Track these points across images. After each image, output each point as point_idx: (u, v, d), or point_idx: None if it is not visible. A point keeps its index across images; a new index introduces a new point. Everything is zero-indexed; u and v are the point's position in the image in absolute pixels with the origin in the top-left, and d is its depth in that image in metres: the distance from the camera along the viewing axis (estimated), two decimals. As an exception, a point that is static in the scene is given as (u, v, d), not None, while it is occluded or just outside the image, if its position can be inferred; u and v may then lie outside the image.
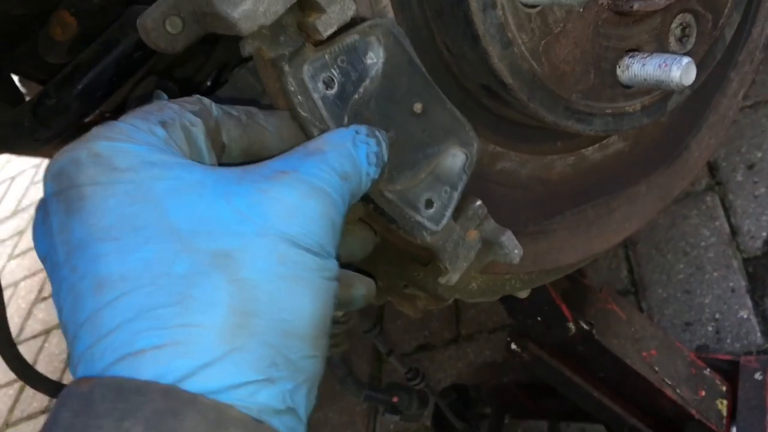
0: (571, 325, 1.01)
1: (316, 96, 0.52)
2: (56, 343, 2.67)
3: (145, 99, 0.83)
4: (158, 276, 0.37)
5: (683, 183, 0.81)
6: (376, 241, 0.61)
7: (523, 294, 0.85)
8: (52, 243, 0.40)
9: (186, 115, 0.45)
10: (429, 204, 0.57)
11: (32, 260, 3.22)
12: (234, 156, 0.50)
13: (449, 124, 0.58)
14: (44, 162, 3.74)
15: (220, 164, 0.47)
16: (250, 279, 0.38)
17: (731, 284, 1.51)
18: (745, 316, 1.46)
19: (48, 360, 2.61)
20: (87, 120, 1.02)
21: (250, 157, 0.50)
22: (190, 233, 0.38)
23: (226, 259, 0.38)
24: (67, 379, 2.03)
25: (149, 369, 0.35)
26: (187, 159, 0.42)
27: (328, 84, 0.52)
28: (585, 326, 1.02)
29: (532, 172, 0.71)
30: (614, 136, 0.74)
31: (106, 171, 0.39)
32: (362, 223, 0.60)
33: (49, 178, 0.40)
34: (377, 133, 0.50)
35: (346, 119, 0.54)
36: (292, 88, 0.51)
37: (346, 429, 1.80)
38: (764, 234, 1.55)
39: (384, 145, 0.50)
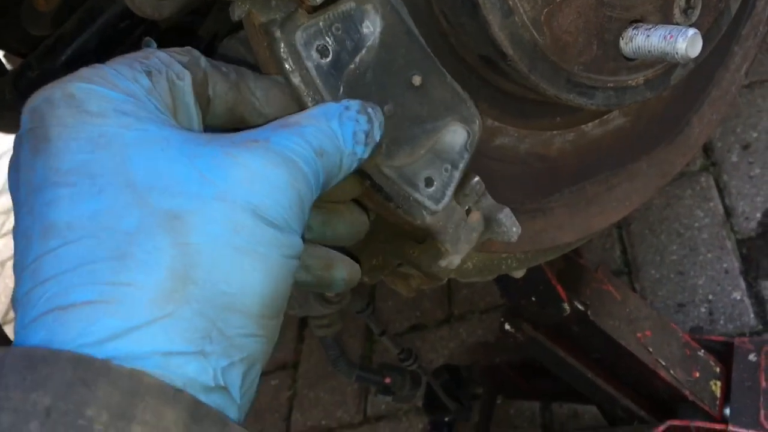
0: (566, 306, 1.00)
1: (309, 64, 0.50)
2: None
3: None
4: (104, 228, 0.35)
5: (684, 160, 0.79)
6: (366, 226, 0.59)
7: (519, 273, 0.84)
8: (17, 180, 0.39)
9: (174, 66, 0.43)
10: (429, 182, 0.54)
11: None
12: (218, 113, 0.48)
13: (449, 99, 0.55)
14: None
15: (204, 121, 0.46)
16: (197, 244, 0.36)
17: (725, 265, 1.51)
18: (739, 298, 1.45)
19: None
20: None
21: (234, 118, 0.49)
22: (146, 188, 0.37)
23: (176, 220, 0.36)
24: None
25: (75, 325, 0.34)
26: (163, 114, 0.40)
27: (322, 52, 0.50)
28: (580, 306, 1.01)
29: (530, 147, 0.69)
30: (615, 112, 0.72)
31: (75, 113, 0.37)
32: (353, 206, 0.57)
33: (25, 112, 0.39)
34: (369, 109, 0.48)
35: (341, 90, 0.52)
36: (284, 56, 0.49)
37: (337, 409, 1.79)
38: (758, 215, 1.54)
39: (376, 123, 0.48)
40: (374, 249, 0.69)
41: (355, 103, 0.47)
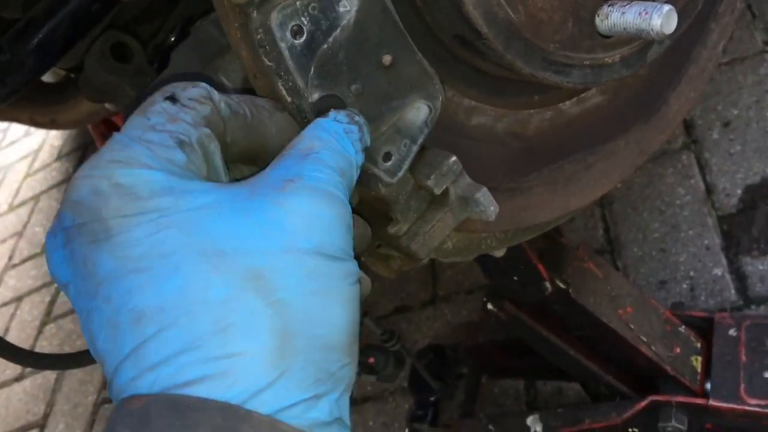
0: (547, 284, 1.00)
1: (282, 45, 0.49)
2: (28, 310, 2.63)
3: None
4: (194, 303, 0.37)
5: (662, 137, 0.79)
6: (369, 239, 0.59)
7: (499, 253, 0.84)
8: (76, 273, 0.40)
9: (202, 129, 0.44)
10: (387, 157, 0.55)
11: (1, 227, 3.16)
12: (232, 154, 0.48)
13: (416, 77, 0.56)
14: (11, 127, 3.65)
15: None
16: (285, 299, 0.38)
17: (706, 242, 1.52)
18: (720, 274, 1.46)
19: (20, 327, 2.58)
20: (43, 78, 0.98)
21: (247, 154, 0.49)
22: (218, 254, 0.38)
23: (258, 279, 0.38)
24: (40, 346, 2.00)
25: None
26: (203, 180, 0.42)
27: (296, 33, 0.50)
28: (561, 285, 1.02)
29: (508, 127, 0.69)
30: (592, 90, 0.72)
31: (129, 201, 0.39)
32: (357, 218, 0.58)
33: (69, 207, 0.40)
34: (356, 117, 0.49)
35: (312, 70, 0.52)
36: (259, 36, 0.49)
37: (323, 391, 1.79)
38: (739, 192, 1.55)
39: (365, 129, 0.50)
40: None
41: (342, 114, 0.49)
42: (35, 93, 1.68)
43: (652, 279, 1.51)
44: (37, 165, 3.36)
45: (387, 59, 0.54)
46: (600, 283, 1.06)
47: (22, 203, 3.20)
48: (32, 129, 3.59)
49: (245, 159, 0.50)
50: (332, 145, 0.46)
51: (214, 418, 0.34)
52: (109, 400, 2.14)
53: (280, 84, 0.50)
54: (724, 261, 1.47)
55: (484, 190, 0.60)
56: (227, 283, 0.37)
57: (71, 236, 0.40)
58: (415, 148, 0.56)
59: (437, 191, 0.59)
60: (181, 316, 0.37)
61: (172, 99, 0.45)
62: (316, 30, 0.50)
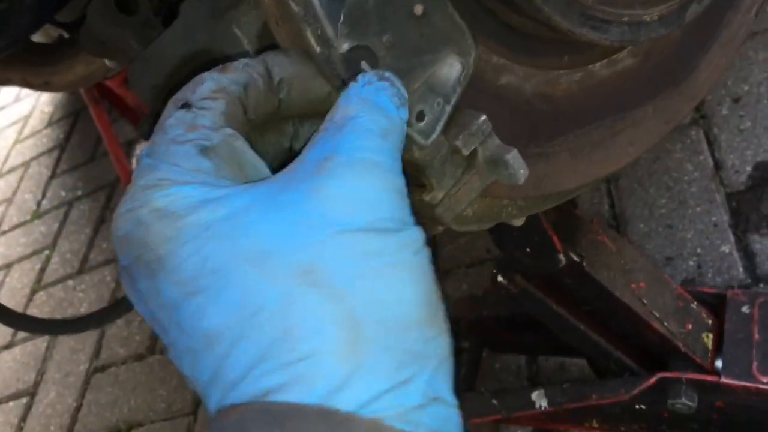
0: (561, 257, 0.98)
1: None
2: (18, 278, 2.60)
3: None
4: (255, 313, 0.36)
5: (690, 106, 0.76)
6: None
7: (518, 222, 0.81)
8: (150, 309, 0.39)
9: (223, 130, 0.41)
10: (420, 116, 0.51)
11: (-11, 195, 3.11)
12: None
13: (448, 30, 0.52)
14: (0, 92, 3.58)
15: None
16: (343, 287, 0.36)
17: (714, 219, 1.50)
18: (728, 251, 1.44)
19: (10, 294, 2.54)
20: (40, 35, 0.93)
21: (296, 110, 0.48)
22: (263, 257, 0.36)
23: (310, 274, 0.36)
24: (30, 314, 1.96)
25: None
26: (235, 183, 0.40)
27: None
28: (575, 258, 0.99)
29: (536, 88, 0.65)
30: (624, 52, 0.69)
31: (170, 223, 0.38)
32: None
33: (119, 245, 0.40)
34: (385, 73, 0.47)
35: (342, 18, 0.48)
36: None
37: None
38: (748, 169, 1.53)
39: (398, 82, 0.47)
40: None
41: (371, 74, 0.46)
42: (28, 53, 1.63)
43: (658, 255, 1.49)
44: (27, 131, 3.29)
45: (419, 9, 0.50)
46: (613, 257, 1.04)
47: (12, 170, 3.14)
48: (22, 95, 3.52)
49: (300, 113, 0.48)
50: (368, 107, 0.43)
51: (314, 423, 0.33)
52: (101, 368, 2.12)
53: (308, 31, 0.46)
54: (732, 238, 1.45)
55: (515, 152, 0.57)
56: (279, 285, 0.36)
57: (131, 273, 0.39)
58: (448, 109, 0.53)
59: (465, 152, 0.55)
60: (245, 329, 0.36)
61: (186, 105, 0.43)
62: None
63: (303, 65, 0.48)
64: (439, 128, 0.53)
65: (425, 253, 0.39)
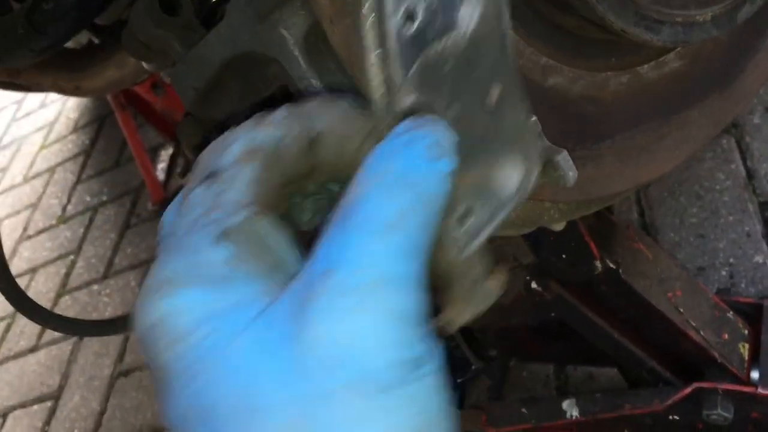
0: (598, 263, 0.97)
1: (391, 23, 0.40)
2: (43, 282, 2.62)
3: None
4: None
5: (737, 109, 0.75)
6: None
7: (559, 226, 0.80)
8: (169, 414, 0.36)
9: (249, 209, 0.37)
10: (467, 214, 0.43)
11: (15, 198, 3.14)
12: (320, 178, 0.41)
13: (520, 126, 0.46)
14: (26, 98, 3.62)
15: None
16: None
17: (746, 228, 1.48)
18: (761, 261, 1.42)
19: (35, 298, 2.53)
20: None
21: (333, 176, 0.41)
22: (251, 411, 0.32)
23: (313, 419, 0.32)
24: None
25: None
26: (253, 274, 0.35)
27: (409, 16, 0.40)
28: (611, 265, 0.98)
29: (584, 89, 0.65)
30: (671, 54, 0.68)
31: (173, 342, 0.34)
32: None
33: (138, 341, 0.37)
34: (425, 118, 0.38)
35: (414, 69, 0.41)
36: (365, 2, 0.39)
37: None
38: (781, 178, 1.51)
39: (441, 124, 0.38)
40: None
41: (408, 122, 0.38)
42: (60, 58, 1.65)
43: (689, 265, 1.47)
44: (52, 137, 3.33)
45: (495, 93, 0.44)
46: (650, 265, 1.03)
47: (37, 175, 3.17)
48: (48, 101, 3.56)
49: (339, 178, 0.41)
50: (387, 177, 0.35)
51: None
52: (125, 373, 2.12)
53: (374, 56, 0.40)
54: (765, 248, 1.43)
55: (565, 153, 0.56)
56: None
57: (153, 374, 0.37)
58: (497, 220, 0.44)
59: (515, 153, 0.55)
60: None
61: (212, 176, 0.39)
62: (429, 25, 0.41)
63: (351, 119, 0.41)
64: (482, 237, 0.43)
65: (433, 380, 0.33)
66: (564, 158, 0.57)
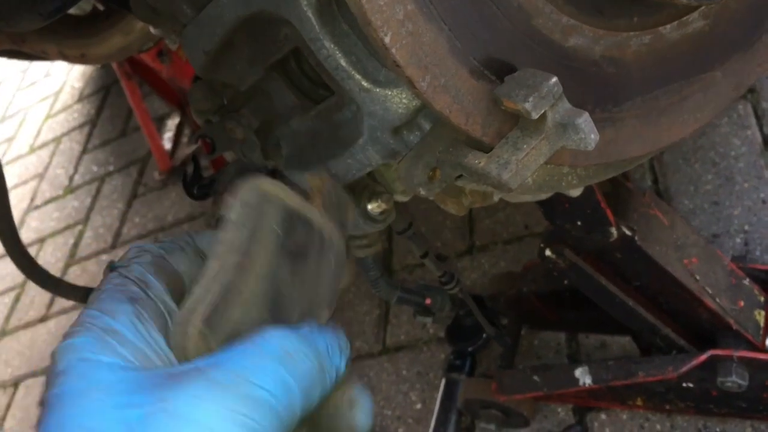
0: (614, 230, 0.95)
1: None
2: (51, 252, 2.62)
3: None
4: None
5: (760, 71, 0.73)
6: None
7: (576, 192, 0.79)
8: None
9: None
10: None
11: (22, 168, 3.13)
12: None
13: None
14: (31, 67, 3.60)
15: None
16: None
17: (762, 195, 1.46)
18: (776, 228, 1.41)
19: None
20: None
21: None
22: None
23: None
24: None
25: None
26: (125, 351, 0.40)
27: None
28: (627, 231, 0.96)
29: (605, 50, 0.62)
30: (695, 13, 0.66)
31: (52, 376, 0.39)
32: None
33: None
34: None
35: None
36: None
37: (356, 339, 1.77)
38: (798, 143, 1.48)
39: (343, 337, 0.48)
40: (430, 161, 0.64)
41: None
42: (64, 26, 1.62)
43: (704, 232, 1.46)
44: (58, 107, 3.31)
45: None
46: (666, 231, 1.01)
47: (43, 145, 3.16)
48: (52, 70, 3.53)
49: None
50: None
51: None
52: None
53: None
54: (780, 215, 1.42)
55: (586, 115, 0.55)
56: None
57: None
58: None
59: (535, 115, 0.53)
60: None
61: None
62: None
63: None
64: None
65: None
66: (585, 121, 0.55)
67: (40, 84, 3.54)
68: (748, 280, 1.10)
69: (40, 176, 3.00)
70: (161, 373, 0.38)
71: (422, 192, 0.65)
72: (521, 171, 0.57)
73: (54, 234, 2.68)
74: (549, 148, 0.57)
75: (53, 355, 0.41)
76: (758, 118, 1.55)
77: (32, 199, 2.91)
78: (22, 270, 0.91)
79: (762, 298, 1.10)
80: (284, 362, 0.38)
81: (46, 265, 2.53)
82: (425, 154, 0.64)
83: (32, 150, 3.19)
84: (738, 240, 1.43)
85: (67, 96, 3.31)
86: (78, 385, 0.38)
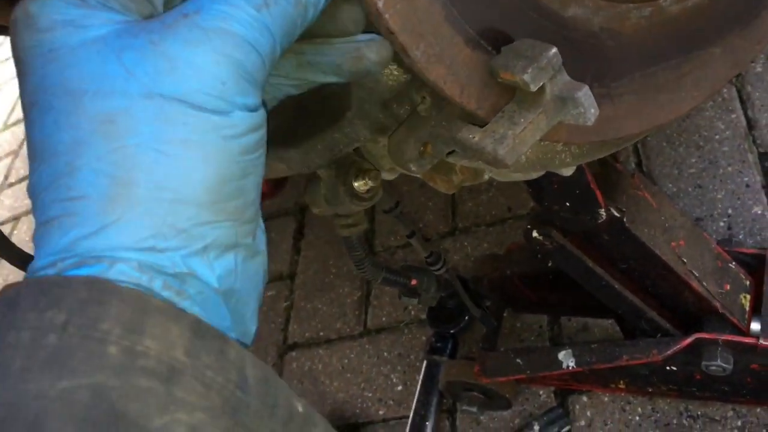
0: (603, 212, 0.94)
1: None
2: (26, 230, 2.57)
3: None
4: (57, 143, 0.37)
5: (758, 48, 0.71)
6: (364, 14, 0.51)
7: (568, 171, 0.77)
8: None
9: None
10: None
11: (-4, 144, 3.06)
12: None
13: None
14: (5, 42, 3.51)
15: None
16: (133, 145, 0.37)
17: (746, 179, 1.45)
18: (760, 212, 1.40)
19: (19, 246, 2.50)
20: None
21: None
22: (81, 93, 0.37)
23: (110, 124, 0.37)
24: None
25: (51, 238, 0.37)
26: (114, 12, 0.39)
27: None
28: (616, 213, 0.95)
29: (604, 22, 0.60)
30: (695, -14, 0.64)
31: (31, 33, 0.38)
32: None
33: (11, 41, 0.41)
34: None
35: None
36: None
37: (336, 321, 1.75)
38: (783, 128, 1.48)
39: None
40: (422, 135, 0.62)
41: None
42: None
43: (687, 216, 1.45)
44: (32, 82, 3.23)
45: None
46: (654, 214, 1.00)
47: (18, 121, 3.09)
48: (27, 45, 3.45)
49: None
50: None
51: (79, 291, 0.34)
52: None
53: None
54: (764, 199, 1.41)
55: (586, 89, 0.53)
56: (78, 126, 0.37)
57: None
58: None
59: (533, 87, 0.51)
60: (48, 153, 0.37)
61: None
62: None
63: None
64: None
65: (244, 141, 0.39)
66: (585, 94, 0.53)
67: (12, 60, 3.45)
68: (734, 263, 1.09)
69: (15, 153, 2.93)
70: (152, 22, 0.39)
71: (413, 168, 0.63)
72: (518, 146, 0.55)
73: (29, 212, 2.62)
74: (547, 123, 0.54)
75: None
76: (743, 102, 1.54)
77: (6, 177, 2.85)
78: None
79: (747, 282, 1.10)
80: (260, 8, 0.40)
81: (21, 243, 2.49)
82: (416, 129, 0.62)
83: (6, 127, 3.12)
84: (721, 224, 1.42)
85: (41, 71, 3.23)
86: (74, 41, 0.38)
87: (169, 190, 0.37)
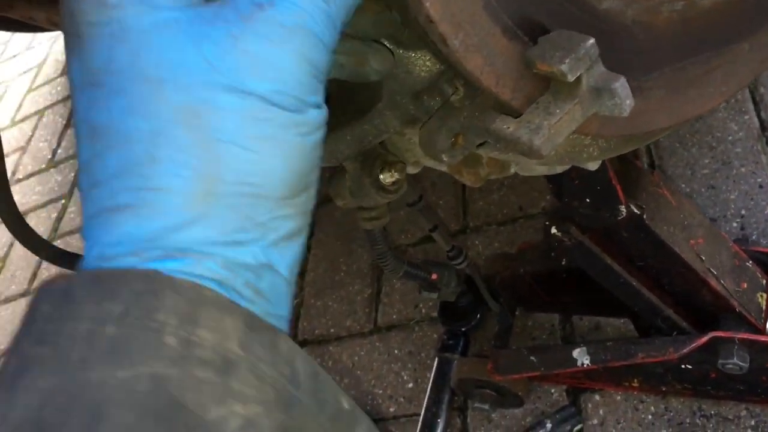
0: (623, 208, 0.94)
1: None
2: (34, 226, 2.54)
3: None
4: (133, 130, 0.36)
5: (786, 45, 0.72)
6: (390, 20, 0.53)
7: (594, 166, 0.77)
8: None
9: None
10: None
11: (3, 141, 3.06)
12: None
13: None
14: (12, 39, 3.51)
15: None
16: (217, 140, 0.37)
17: (759, 180, 1.46)
18: (773, 213, 1.41)
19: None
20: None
21: None
22: (159, 82, 0.36)
23: (193, 116, 0.36)
24: (46, 263, 1.94)
25: (122, 227, 0.36)
26: None
27: None
28: (636, 210, 0.95)
29: (637, 15, 0.61)
30: (727, -19, 0.64)
31: (96, 7, 0.37)
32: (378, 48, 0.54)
33: (60, 7, 0.39)
34: None
35: None
36: None
37: (346, 318, 1.75)
38: (796, 129, 1.48)
39: None
40: (454, 126, 0.62)
41: None
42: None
43: (701, 216, 1.45)
44: (40, 80, 3.24)
45: None
46: (673, 211, 1.00)
47: (25, 118, 3.09)
48: (35, 42, 3.46)
49: None
50: None
51: (135, 283, 0.34)
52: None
53: None
54: (778, 200, 1.42)
55: (623, 80, 0.53)
56: (158, 114, 0.36)
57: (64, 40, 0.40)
58: None
59: (571, 78, 0.51)
60: (120, 139, 0.36)
61: None
62: None
63: None
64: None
65: (312, 139, 0.40)
66: (621, 85, 0.53)
67: (21, 56, 3.46)
68: (751, 262, 1.09)
69: (23, 149, 2.94)
70: (224, 8, 0.38)
71: (444, 159, 0.63)
72: (553, 137, 0.55)
73: (37, 208, 2.63)
74: (582, 114, 0.55)
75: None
76: (756, 103, 1.55)
77: (14, 173, 2.85)
78: (15, 235, 0.89)
79: (764, 281, 1.10)
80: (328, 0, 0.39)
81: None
82: (448, 120, 0.62)
83: (14, 123, 3.12)
84: (735, 224, 1.42)
85: (50, 69, 3.24)
86: (146, 22, 0.37)
87: (251, 185, 0.37)
